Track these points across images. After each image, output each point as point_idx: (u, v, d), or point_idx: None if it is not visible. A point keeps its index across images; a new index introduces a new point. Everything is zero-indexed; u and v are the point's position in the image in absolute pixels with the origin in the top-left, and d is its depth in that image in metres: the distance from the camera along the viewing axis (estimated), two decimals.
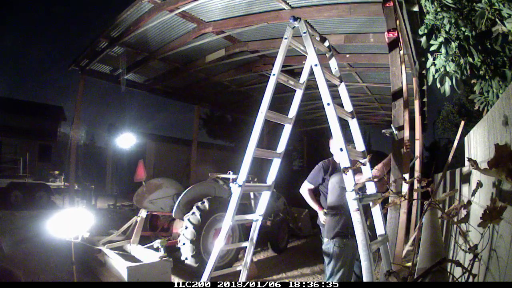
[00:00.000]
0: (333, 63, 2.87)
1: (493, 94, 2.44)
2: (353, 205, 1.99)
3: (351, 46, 5.82)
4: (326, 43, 2.88)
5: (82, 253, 4.07)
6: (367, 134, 24.39)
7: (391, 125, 3.18)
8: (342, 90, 2.73)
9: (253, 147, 2.47)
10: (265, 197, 2.74)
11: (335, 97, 2.36)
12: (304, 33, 2.49)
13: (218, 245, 2.46)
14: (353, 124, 2.59)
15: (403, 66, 3.57)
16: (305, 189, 3.30)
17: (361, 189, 2.43)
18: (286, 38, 2.64)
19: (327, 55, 2.89)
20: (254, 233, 2.74)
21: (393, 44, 3.39)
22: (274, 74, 2.58)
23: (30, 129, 17.02)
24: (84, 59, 7.06)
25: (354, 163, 3.10)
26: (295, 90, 2.86)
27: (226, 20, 5.26)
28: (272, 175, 2.73)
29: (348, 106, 2.65)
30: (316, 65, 2.40)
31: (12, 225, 6.70)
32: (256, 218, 2.73)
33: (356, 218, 1.95)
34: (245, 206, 5.38)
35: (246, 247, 2.80)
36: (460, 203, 1.63)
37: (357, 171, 3.06)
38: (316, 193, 3.32)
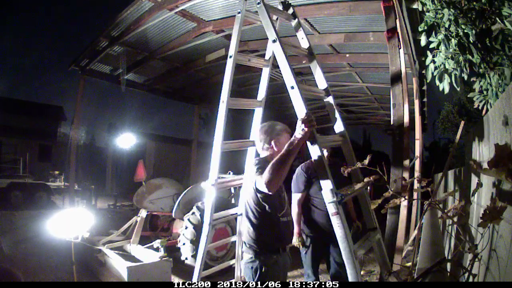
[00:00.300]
0: (300, 35, 2.41)
1: (492, 92, 2.44)
2: (330, 208, 1.71)
3: (351, 45, 5.82)
4: (290, 10, 2.45)
5: (82, 253, 4.07)
6: (367, 134, 24.45)
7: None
8: (314, 65, 2.32)
9: (219, 141, 2.29)
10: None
11: (306, 73, 2.13)
12: (258, 3, 2.12)
13: (202, 245, 2.34)
14: (328, 102, 2.23)
15: (402, 66, 3.58)
16: (294, 203, 2.94)
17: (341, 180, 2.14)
18: (239, 13, 2.33)
19: (293, 23, 2.44)
20: (240, 226, 2.67)
21: (393, 44, 3.39)
22: (230, 56, 2.31)
23: (30, 129, 17.03)
24: (84, 58, 7.07)
25: (328, 149, 2.95)
26: (261, 70, 2.64)
27: (226, 19, 5.27)
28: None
29: (321, 83, 2.27)
30: (274, 40, 2.02)
31: (12, 225, 6.71)
32: (240, 212, 2.63)
33: (336, 223, 1.67)
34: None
35: (235, 241, 2.79)
36: (460, 203, 1.63)
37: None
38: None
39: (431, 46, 2.53)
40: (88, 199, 9.94)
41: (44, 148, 16.99)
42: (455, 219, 1.77)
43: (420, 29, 2.60)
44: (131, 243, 4.65)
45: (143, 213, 4.85)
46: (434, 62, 2.57)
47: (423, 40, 2.58)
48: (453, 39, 2.34)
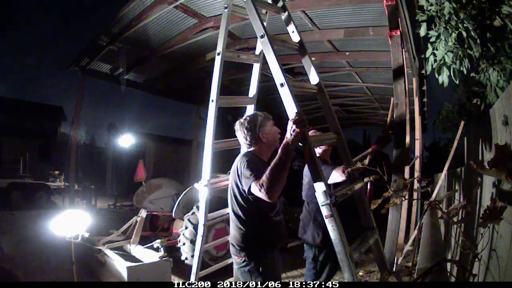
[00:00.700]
0: (291, 28, 2.29)
1: (491, 88, 2.45)
2: (324, 211, 1.66)
3: (351, 43, 5.82)
4: (280, 3, 2.36)
5: (82, 253, 4.06)
6: (367, 134, 24.43)
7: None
8: (306, 60, 2.20)
9: (210, 141, 2.27)
10: None
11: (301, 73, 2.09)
12: None
13: (197, 245, 2.36)
14: (322, 99, 2.15)
15: (404, 64, 3.59)
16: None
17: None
18: (226, 8, 2.32)
19: (283, 17, 2.36)
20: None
21: (396, 42, 3.40)
22: (218, 53, 2.29)
23: (30, 129, 17.02)
24: (84, 57, 7.05)
25: (328, 151, 2.74)
26: (252, 66, 2.61)
27: None
28: None
29: (314, 78, 2.16)
30: (262, 36, 1.94)
31: (12, 225, 6.70)
32: None
33: (330, 225, 1.64)
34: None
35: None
36: (460, 203, 1.63)
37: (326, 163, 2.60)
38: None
39: (432, 40, 2.54)
40: (88, 199, 9.94)
41: (44, 148, 16.97)
42: (455, 219, 1.77)
43: (420, 19, 2.60)
44: (131, 243, 4.65)
45: (143, 213, 4.84)
46: (434, 55, 2.57)
47: (422, 31, 2.58)
48: (453, 33, 2.34)
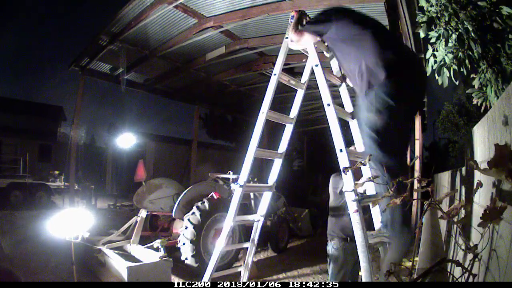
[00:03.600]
0: (334, 63, 2.85)
1: (491, 89, 2.45)
2: (352, 206, 1.96)
3: None
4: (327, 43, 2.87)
5: (82, 253, 4.07)
6: None
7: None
8: (343, 91, 2.73)
9: (254, 147, 2.45)
10: (266, 198, 2.73)
11: (336, 97, 2.35)
12: None
13: (219, 245, 2.44)
14: (354, 125, 2.57)
15: None
16: None
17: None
18: (287, 38, 2.63)
19: (328, 54, 2.89)
20: (255, 234, 2.73)
21: None
22: (275, 74, 2.56)
23: (30, 129, 17.01)
24: (85, 57, 7.05)
25: (353, 164, 3.10)
26: (296, 90, 2.84)
27: (227, 14, 5.26)
28: (273, 176, 2.72)
29: (348, 107, 2.65)
30: (316, 65, 2.41)
31: (12, 225, 6.71)
32: (258, 218, 2.72)
33: (355, 220, 1.92)
34: (245, 207, 5.38)
35: (247, 247, 2.80)
36: (460, 203, 1.63)
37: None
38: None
39: (432, 40, 2.54)
40: (88, 199, 9.95)
41: (44, 148, 16.95)
42: (455, 219, 1.77)
43: (420, 20, 2.60)
44: (131, 243, 4.65)
45: (143, 213, 4.84)
46: (434, 56, 2.57)
47: (422, 33, 2.59)
48: (453, 34, 2.34)
